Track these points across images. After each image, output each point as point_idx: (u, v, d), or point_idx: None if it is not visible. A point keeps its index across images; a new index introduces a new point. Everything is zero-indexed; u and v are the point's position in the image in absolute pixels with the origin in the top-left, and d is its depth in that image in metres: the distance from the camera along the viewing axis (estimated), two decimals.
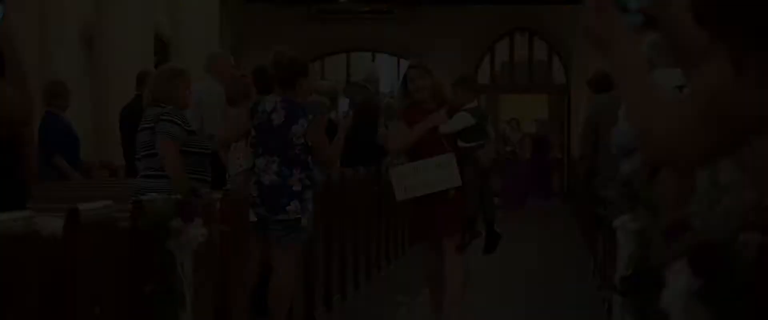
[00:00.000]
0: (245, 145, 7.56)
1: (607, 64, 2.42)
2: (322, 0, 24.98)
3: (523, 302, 9.79)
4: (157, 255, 4.68)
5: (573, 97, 24.92)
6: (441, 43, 25.00)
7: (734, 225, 2.38)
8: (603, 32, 2.38)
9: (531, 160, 22.33)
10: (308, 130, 7.13)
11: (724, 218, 2.35)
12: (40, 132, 10.02)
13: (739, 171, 2.85)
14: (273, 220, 7.07)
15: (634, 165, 6.75)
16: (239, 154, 7.67)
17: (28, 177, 5.17)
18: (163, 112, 7.01)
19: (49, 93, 10.63)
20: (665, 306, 2.38)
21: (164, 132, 6.94)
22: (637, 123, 2.36)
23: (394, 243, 12.84)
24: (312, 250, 8.32)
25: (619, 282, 4.49)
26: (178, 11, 17.68)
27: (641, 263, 4.41)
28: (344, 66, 26.34)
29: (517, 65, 26.00)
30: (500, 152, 17.66)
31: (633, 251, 4.52)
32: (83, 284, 3.98)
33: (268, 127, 7.17)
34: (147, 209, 4.69)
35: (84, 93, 19.34)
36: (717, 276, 2.26)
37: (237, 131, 7.54)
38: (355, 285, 10.33)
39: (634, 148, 6.86)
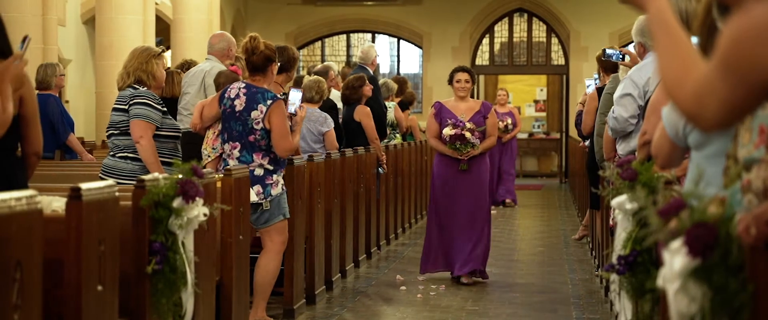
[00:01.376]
0: (213, 133, 7.65)
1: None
2: None
3: (520, 281, 9.82)
4: (159, 235, 4.70)
5: (572, 78, 24.92)
6: (441, 24, 24.99)
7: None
8: None
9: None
10: (267, 115, 7.15)
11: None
12: (44, 111, 10.01)
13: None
14: None
15: (631, 147, 6.78)
16: (209, 142, 7.72)
17: (31, 155, 5.18)
18: (137, 93, 7.02)
19: (47, 73, 10.62)
20: (662, 286, 2.40)
21: (140, 115, 6.95)
22: (668, 77, 2.39)
23: (394, 222, 12.86)
24: (312, 230, 8.37)
25: (617, 261, 4.52)
26: None
27: (638, 243, 4.44)
28: (345, 47, 26.31)
29: (516, 46, 25.97)
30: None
31: (630, 231, 4.54)
32: (86, 263, 4.01)
33: (231, 114, 7.24)
34: (149, 188, 4.71)
35: (86, 74, 19.37)
36: (713, 255, 2.28)
37: (203, 118, 7.62)
38: (356, 264, 10.37)
39: (631, 132, 6.89)
